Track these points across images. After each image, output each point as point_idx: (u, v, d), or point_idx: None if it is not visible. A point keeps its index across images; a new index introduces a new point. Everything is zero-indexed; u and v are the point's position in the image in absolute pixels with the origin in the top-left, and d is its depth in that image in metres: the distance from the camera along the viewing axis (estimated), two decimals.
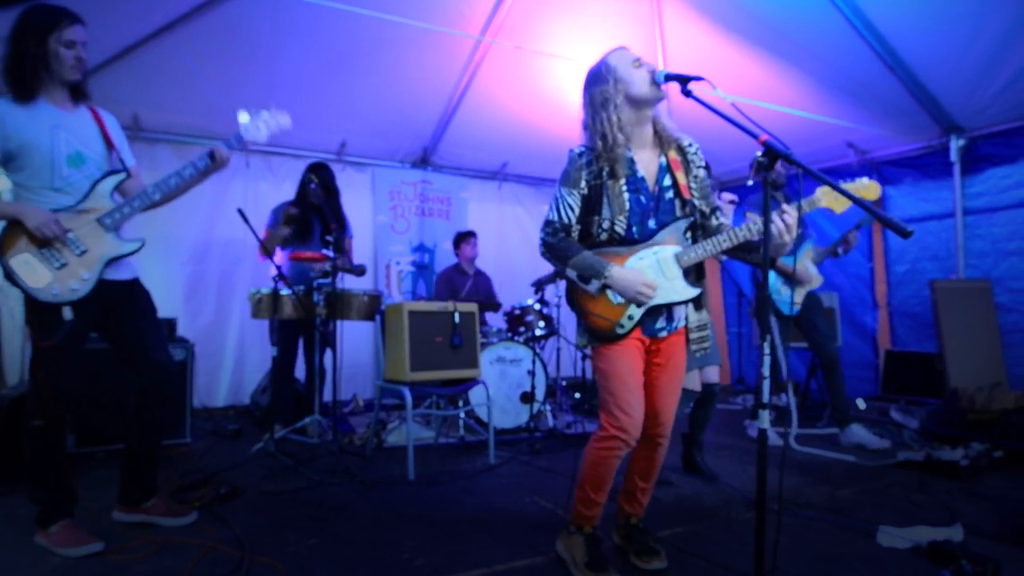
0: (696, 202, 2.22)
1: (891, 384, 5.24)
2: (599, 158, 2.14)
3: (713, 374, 3.41)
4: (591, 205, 2.18)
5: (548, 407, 4.70)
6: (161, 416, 2.60)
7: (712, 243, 2.12)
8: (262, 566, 2.23)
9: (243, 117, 2.62)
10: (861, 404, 5.11)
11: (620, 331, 2.13)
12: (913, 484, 3.32)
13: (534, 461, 3.76)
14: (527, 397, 4.43)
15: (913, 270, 5.33)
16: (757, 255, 2.16)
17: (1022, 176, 4.67)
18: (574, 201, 2.17)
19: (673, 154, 2.22)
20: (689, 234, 2.22)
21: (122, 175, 2.46)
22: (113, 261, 2.38)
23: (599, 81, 2.15)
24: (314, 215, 4.23)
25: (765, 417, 1.76)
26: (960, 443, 3.74)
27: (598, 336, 2.17)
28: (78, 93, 2.42)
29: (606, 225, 2.16)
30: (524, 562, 2.31)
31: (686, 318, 2.26)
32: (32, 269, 2.23)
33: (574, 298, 2.23)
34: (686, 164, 2.23)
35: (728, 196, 3.42)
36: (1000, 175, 4.80)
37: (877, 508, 2.95)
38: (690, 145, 2.26)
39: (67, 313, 2.25)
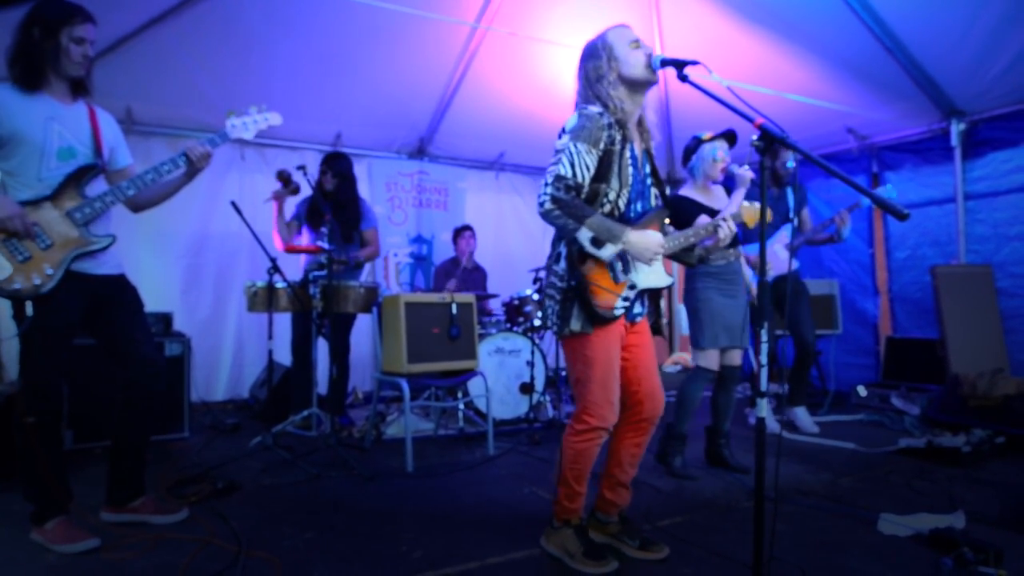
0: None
1: (892, 371, 5.22)
2: (615, 124, 2.09)
3: (737, 356, 3.39)
4: (601, 171, 2.07)
5: (547, 397, 4.69)
6: (148, 412, 2.58)
7: (685, 234, 2.22)
8: (259, 560, 2.22)
9: (231, 114, 2.62)
10: (862, 391, 5.10)
11: (617, 312, 2.11)
12: (914, 471, 3.31)
13: (533, 452, 3.75)
14: (526, 388, 4.42)
15: (914, 256, 5.29)
16: (689, 255, 2.32)
17: (1023, 160, 4.63)
18: (591, 161, 2.03)
19: (649, 146, 2.25)
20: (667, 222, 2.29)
21: (95, 169, 2.41)
22: (80, 257, 2.33)
23: (593, 56, 2.14)
24: (326, 204, 4.19)
25: (763, 405, 1.74)
26: (961, 429, 3.73)
27: (595, 318, 2.08)
28: (79, 88, 2.41)
29: (612, 196, 2.09)
30: (522, 553, 2.30)
31: (659, 306, 2.38)
32: None
33: (576, 269, 2.07)
34: (654, 159, 2.29)
35: (746, 169, 3.24)
36: (1001, 159, 4.75)
37: (878, 496, 2.94)
38: (652, 140, 2.29)
39: (28, 309, 2.21)
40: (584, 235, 1.99)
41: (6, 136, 2.23)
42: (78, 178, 2.35)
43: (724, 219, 2.27)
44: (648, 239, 2.04)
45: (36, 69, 2.27)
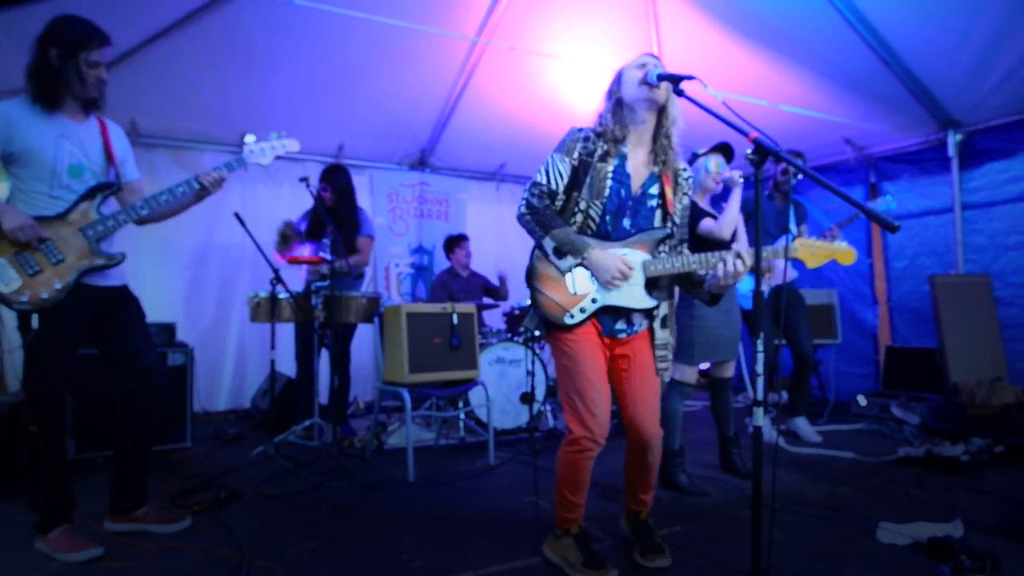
0: (677, 221, 2.25)
1: (892, 380, 5.24)
2: (598, 138, 2.17)
3: (727, 369, 3.46)
4: (575, 180, 2.16)
5: (548, 407, 4.70)
6: (150, 421, 2.60)
7: (682, 260, 2.12)
8: (261, 569, 2.23)
9: (249, 139, 2.66)
10: (862, 400, 5.11)
11: (569, 320, 2.14)
12: (913, 480, 3.32)
13: (534, 461, 3.76)
14: (527, 397, 4.43)
15: (912, 266, 5.32)
16: (698, 291, 2.24)
17: (1020, 170, 4.66)
18: (564, 169, 2.16)
19: (667, 172, 2.23)
20: (663, 247, 2.22)
21: (110, 188, 2.45)
22: (89, 272, 2.36)
23: (614, 80, 2.24)
24: (328, 217, 4.24)
25: (759, 414, 1.76)
26: (960, 438, 3.73)
27: (546, 322, 2.16)
28: (91, 104, 2.44)
29: (583, 206, 2.16)
30: (523, 563, 2.31)
31: (652, 332, 2.25)
32: (5, 273, 2.22)
33: (532, 274, 2.20)
34: (675, 186, 2.26)
35: (736, 172, 3.23)
36: (998, 169, 4.80)
37: (877, 504, 2.95)
38: (684, 170, 2.28)
39: (34, 321, 2.25)
40: (548, 244, 2.13)
41: (18, 152, 2.28)
42: (94, 196, 2.39)
43: (739, 255, 2.01)
44: (607, 260, 2.08)
45: (53, 91, 2.31)
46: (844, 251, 2.03)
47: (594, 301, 2.14)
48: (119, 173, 2.55)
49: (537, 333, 2.20)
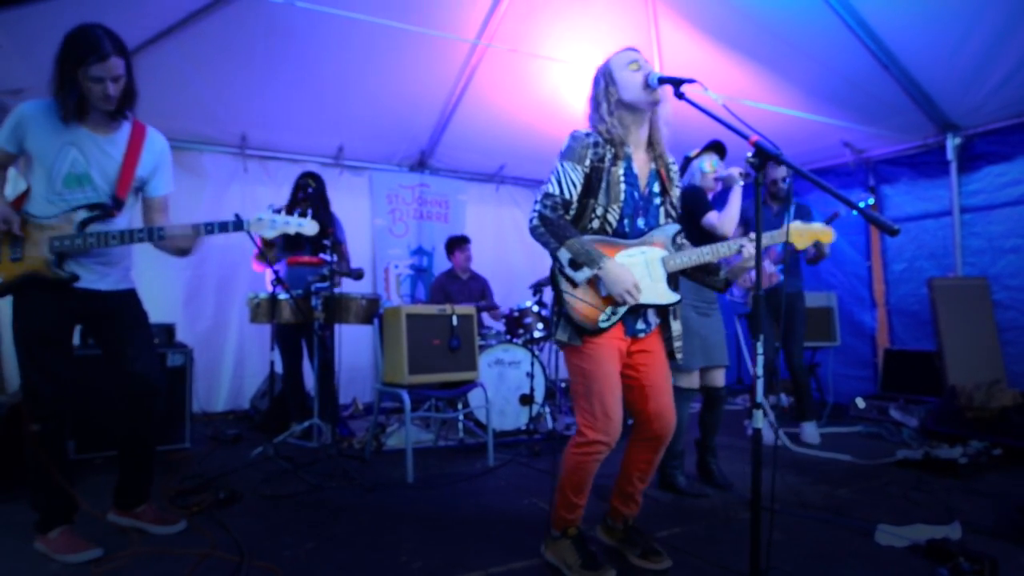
0: (673, 214, 2.28)
1: (890, 383, 5.24)
2: (604, 143, 2.17)
3: (719, 377, 3.36)
4: (589, 187, 2.14)
5: (547, 409, 4.70)
6: (147, 427, 2.59)
7: (699, 252, 2.14)
8: (260, 570, 2.23)
9: (263, 213, 2.57)
10: (860, 403, 5.12)
11: (603, 323, 2.11)
12: (911, 482, 3.32)
13: (533, 463, 3.76)
14: (526, 399, 4.44)
15: (911, 268, 5.33)
16: (714, 278, 2.28)
17: (1018, 173, 4.67)
18: (577, 177, 2.13)
19: (662, 166, 2.25)
20: (679, 240, 2.25)
21: (96, 212, 2.38)
22: (32, 281, 2.31)
23: (596, 83, 2.22)
24: (329, 220, 4.24)
25: (759, 417, 1.77)
26: (959, 441, 3.74)
27: (580, 328, 2.12)
28: (115, 114, 2.40)
29: (600, 212, 2.15)
30: (522, 564, 2.32)
31: (669, 327, 2.28)
32: None
33: (558, 281, 2.17)
34: (669, 179, 2.28)
35: (735, 170, 3.22)
36: (996, 173, 4.80)
37: (875, 507, 2.95)
38: (673, 163, 2.29)
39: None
40: (564, 255, 2.09)
41: (28, 152, 2.31)
42: (79, 213, 2.35)
43: (751, 239, 2.14)
44: (621, 275, 2.04)
45: (67, 104, 2.28)
46: (821, 231, 2.22)
47: (620, 304, 2.13)
48: (143, 188, 2.52)
49: (565, 339, 2.15)
